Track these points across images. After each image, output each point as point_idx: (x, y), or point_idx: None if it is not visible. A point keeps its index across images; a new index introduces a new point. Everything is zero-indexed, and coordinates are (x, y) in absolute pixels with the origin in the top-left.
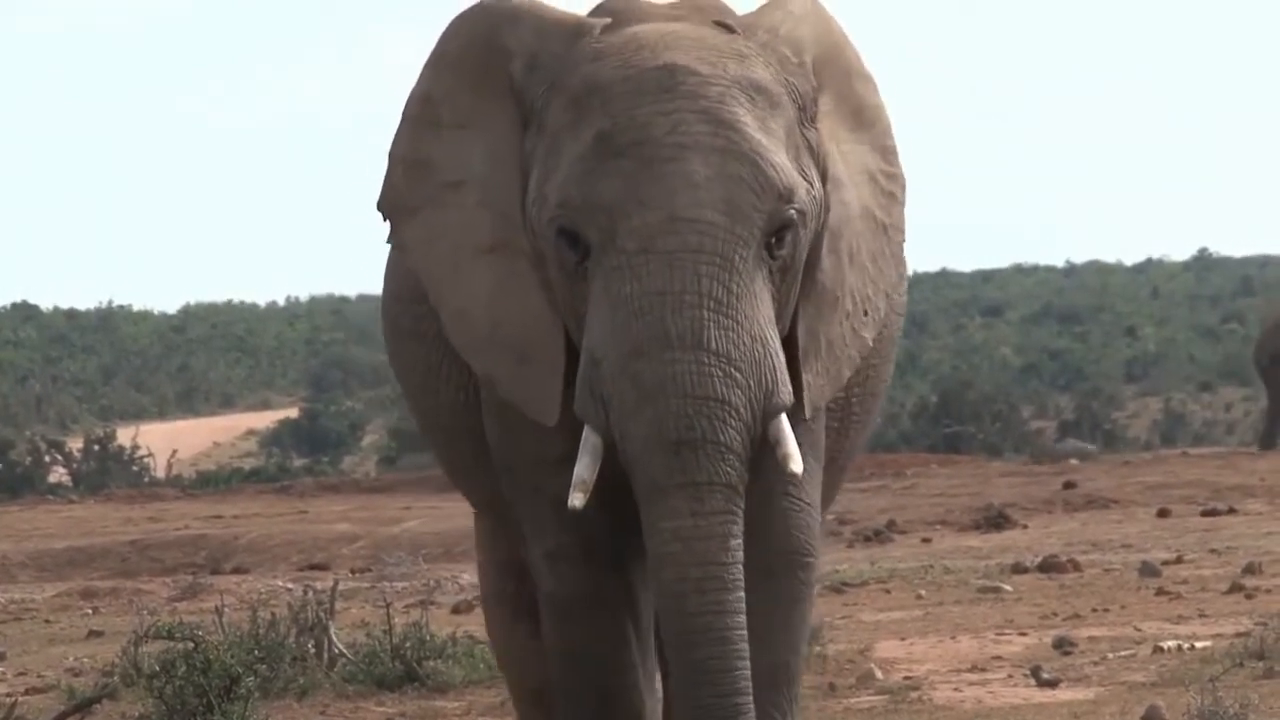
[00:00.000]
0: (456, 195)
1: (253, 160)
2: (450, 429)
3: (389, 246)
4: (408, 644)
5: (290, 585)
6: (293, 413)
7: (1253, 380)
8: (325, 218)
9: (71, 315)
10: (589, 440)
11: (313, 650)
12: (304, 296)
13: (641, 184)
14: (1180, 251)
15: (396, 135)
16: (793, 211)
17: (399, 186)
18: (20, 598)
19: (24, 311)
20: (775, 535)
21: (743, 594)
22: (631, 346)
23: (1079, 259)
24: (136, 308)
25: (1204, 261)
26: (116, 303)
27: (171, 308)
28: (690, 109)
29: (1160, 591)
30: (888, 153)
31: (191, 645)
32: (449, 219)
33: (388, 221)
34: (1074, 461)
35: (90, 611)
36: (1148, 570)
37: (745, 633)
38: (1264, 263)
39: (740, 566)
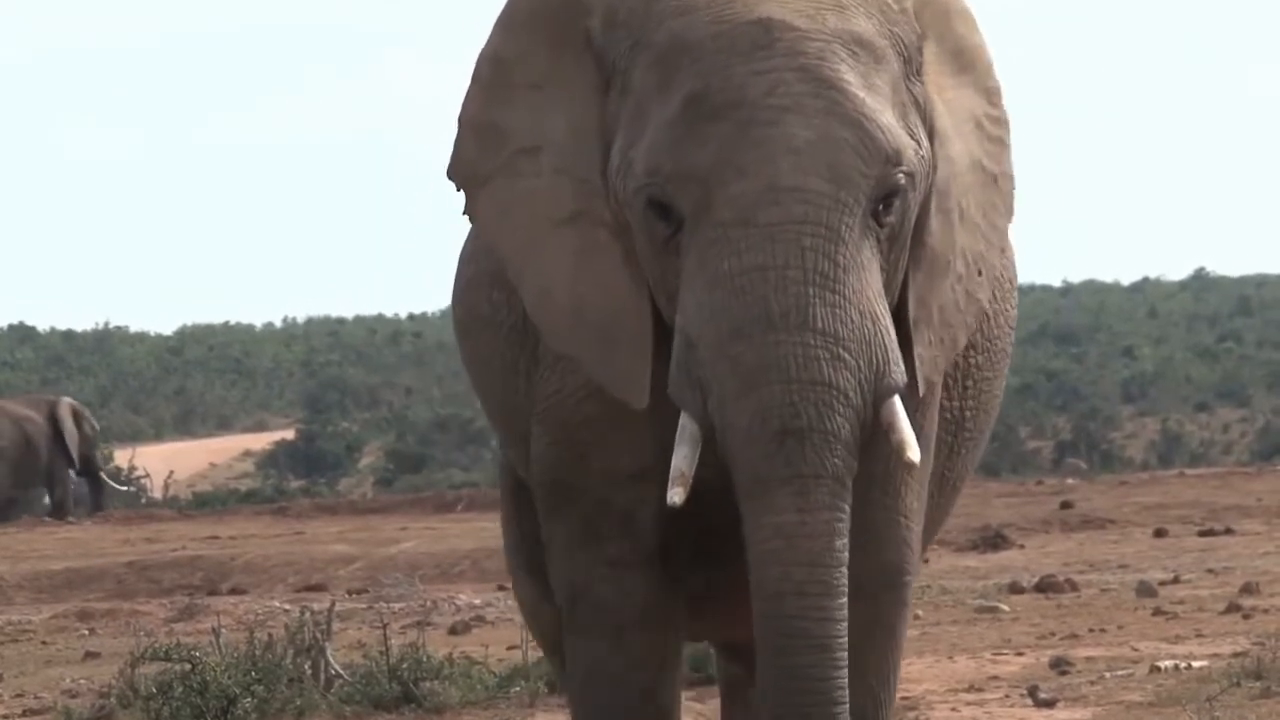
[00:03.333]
0: (532, 162)
1: (250, 182)
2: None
3: (468, 224)
4: (404, 665)
5: (287, 606)
6: (289, 434)
7: (1250, 400)
8: (322, 239)
9: (68, 336)
10: (686, 429)
11: (309, 671)
12: (300, 318)
13: (738, 150)
14: (1177, 271)
15: (465, 99)
16: (901, 175)
17: (469, 154)
18: (17, 619)
19: (21, 333)
20: (869, 548)
21: (845, 600)
22: (731, 328)
23: (1075, 279)
24: (133, 329)
25: (1201, 281)
26: (113, 324)
27: (168, 329)
28: (789, 67)
29: (1157, 611)
30: (991, 94)
31: (188, 666)
32: (524, 188)
33: (460, 192)
34: (1071, 481)
35: (87, 633)
36: (1145, 590)
37: (845, 641)
38: (1261, 282)
39: (845, 570)
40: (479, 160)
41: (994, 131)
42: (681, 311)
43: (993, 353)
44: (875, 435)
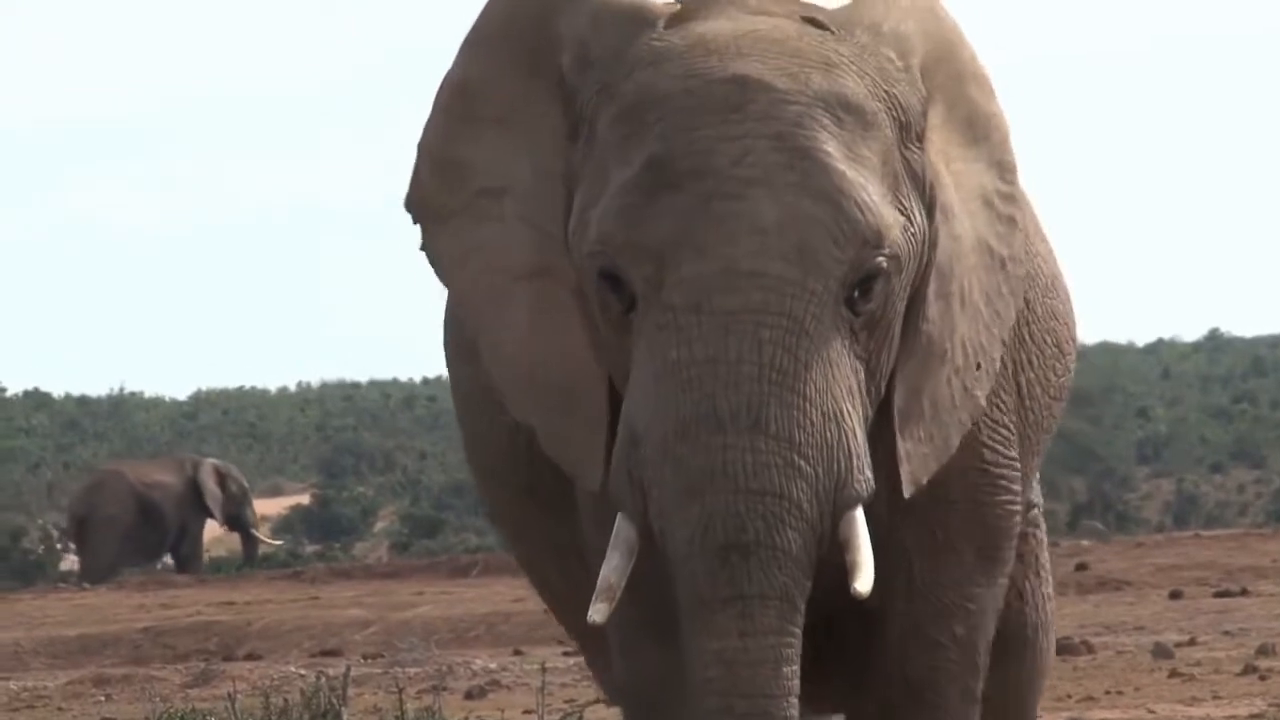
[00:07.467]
0: (496, 205)
1: (263, 246)
2: (495, 472)
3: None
4: None
5: (303, 671)
6: (304, 499)
7: (1265, 461)
8: (336, 303)
9: (83, 402)
10: (621, 533)
11: None
12: (315, 382)
13: (697, 226)
14: (1191, 332)
15: (426, 125)
16: (882, 259)
17: (428, 187)
18: (33, 685)
19: (36, 399)
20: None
21: None
22: (677, 426)
23: (1089, 340)
24: (148, 394)
25: (1215, 342)
26: (128, 389)
27: (183, 394)
28: (761, 134)
29: (1173, 673)
30: (1005, 169)
31: None
32: (486, 234)
33: (415, 224)
34: (1085, 543)
35: (103, 699)
36: (1161, 652)
37: None
38: (1275, 343)
39: (794, 699)
40: (438, 196)
41: (1004, 210)
42: (628, 401)
43: (1054, 384)
44: (931, 494)
